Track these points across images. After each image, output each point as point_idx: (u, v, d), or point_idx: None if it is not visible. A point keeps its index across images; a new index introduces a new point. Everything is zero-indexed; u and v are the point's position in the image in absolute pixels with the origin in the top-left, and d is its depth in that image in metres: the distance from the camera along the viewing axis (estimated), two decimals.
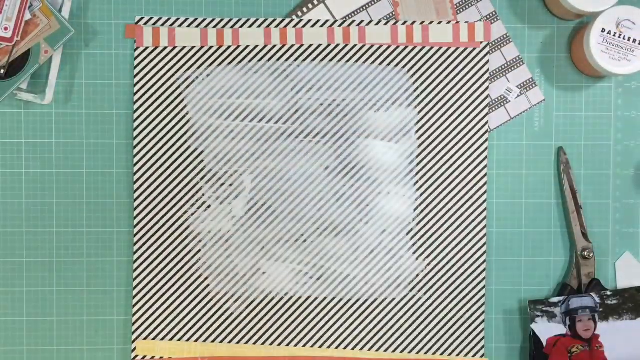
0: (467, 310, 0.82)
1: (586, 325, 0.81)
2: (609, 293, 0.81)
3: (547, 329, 0.81)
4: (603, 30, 0.77)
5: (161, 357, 0.81)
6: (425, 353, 0.82)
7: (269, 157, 0.81)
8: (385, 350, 0.82)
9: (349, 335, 0.82)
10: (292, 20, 0.81)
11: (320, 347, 0.82)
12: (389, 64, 0.82)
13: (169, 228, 0.81)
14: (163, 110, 0.81)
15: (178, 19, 0.81)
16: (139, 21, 0.81)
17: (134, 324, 0.81)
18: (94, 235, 0.82)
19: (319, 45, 0.81)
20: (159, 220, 0.81)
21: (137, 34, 0.81)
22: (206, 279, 0.82)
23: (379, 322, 0.82)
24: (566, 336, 0.81)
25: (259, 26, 0.81)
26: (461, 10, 0.82)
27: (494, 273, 0.83)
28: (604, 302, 0.81)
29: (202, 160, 0.81)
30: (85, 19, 0.81)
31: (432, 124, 0.82)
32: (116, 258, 0.82)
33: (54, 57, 0.79)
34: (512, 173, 0.83)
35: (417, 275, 0.82)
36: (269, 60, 0.81)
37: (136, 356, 0.81)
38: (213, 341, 0.82)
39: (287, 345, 0.82)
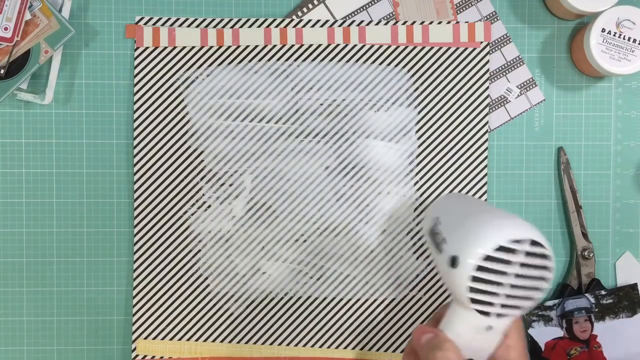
0: None
1: (583, 327, 0.81)
2: (603, 292, 0.81)
3: (544, 333, 0.81)
4: (603, 30, 0.77)
5: (161, 357, 0.82)
6: None
7: (269, 157, 0.81)
8: (386, 351, 0.82)
9: (349, 335, 0.82)
10: (292, 20, 0.81)
11: (321, 347, 0.82)
12: (389, 64, 0.82)
13: (169, 228, 0.81)
14: (163, 110, 0.81)
15: (178, 19, 0.81)
16: (139, 21, 0.81)
17: (134, 324, 0.81)
18: (94, 235, 0.82)
19: (319, 45, 0.81)
20: (159, 220, 0.81)
21: (137, 34, 0.81)
22: (206, 279, 0.82)
23: (379, 322, 0.82)
24: (564, 339, 0.81)
25: (259, 26, 0.81)
26: (461, 10, 0.82)
27: None
28: (599, 302, 0.81)
29: (202, 160, 0.81)
30: (85, 19, 0.81)
31: (432, 124, 0.82)
32: (116, 258, 0.82)
33: (54, 57, 0.79)
34: (512, 173, 0.83)
35: (417, 275, 0.82)
36: (269, 60, 0.81)
37: (136, 356, 0.81)
38: (213, 341, 0.82)
39: (287, 345, 0.82)
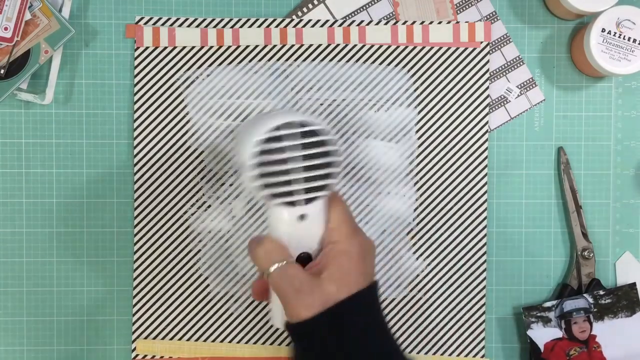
0: (468, 311, 0.82)
1: (582, 327, 0.81)
2: (602, 292, 0.81)
3: (543, 334, 0.81)
4: (603, 30, 0.77)
5: (161, 357, 0.82)
6: (426, 353, 0.82)
7: None
8: None
9: None
10: (292, 20, 0.81)
11: None
12: (389, 64, 0.82)
13: (169, 228, 0.81)
14: (163, 110, 0.81)
15: (178, 19, 0.81)
16: (139, 21, 0.81)
17: (134, 323, 0.81)
18: (94, 235, 0.82)
19: (319, 45, 0.81)
20: (159, 220, 0.81)
21: (137, 34, 0.81)
22: (206, 279, 0.82)
23: None
24: (563, 339, 0.81)
25: (259, 26, 0.81)
26: (461, 10, 0.82)
27: (494, 273, 0.83)
28: (598, 302, 0.81)
29: (202, 160, 0.81)
30: (85, 19, 0.81)
31: (432, 124, 0.82)
32: (116, 258, 0.82)
33: (54, 57, 0.79)
34: (512, 173, 0.83)
35: (417, 275, 0.82)
36: (269, 60, 0.81)
37: (136, 356, 0.81)
38: (213, 341, 0.82)
39: (287, 345, 0.82)
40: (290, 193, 0.61)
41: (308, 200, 0.62)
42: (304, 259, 0.63)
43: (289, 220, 0.62)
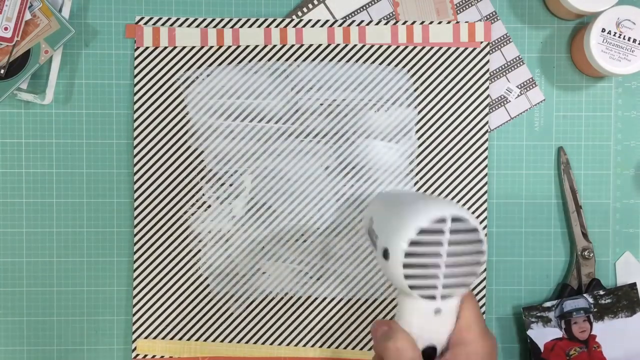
0: None
1: (582, 327, 0.81)
2: (602, 292, 0.81)
3: (543, 334, 0.81)
4: (603, 30, 0.77)
5: (161, 357, 0.82)
6: None
7: (269, 157, 0.81)
8: None
9: (349, 335, 0.82)
10: (292, 20, 0.81)
11: (321, 347, 0.82)
12: (389, 64, 0.82)
13: (169, 228, 0.81)
14: (163, 110, 0.81)
15: (178, 19, 0.81)
16: (139, 21, 0.81)
17: (134, 323, 0.81)
18: (94, 235, 0.82)
19: (319, 45, 0.81)
20: (159, 220, 0.81)
21: (137, 34, 0.81)
22: (206, 279, 0.82)
23: None
24: (563, 339, 0.81)
25: (259, 26, 0.81)
26: (461, 10, 0.82)
27: (493, 273, 0.83)
28: (598, 302, 0.81)
29: (202, 160, 0.81)
30: (85, 19, 0.81)
31: (432, 124, 0.82)
32: (116, 258, 0.82)
33: (54, 57, 0.79)
34: (512, 173, 0.83)
35: None
36: (269, 60, 0.81)
37: (137, 355, 0.81)
38: (213, 341, 0.82)
39: (287, 345, 0.82)
40: (432, 286, 0.60)
41: (445, 296, 0.60)
42: (429, 353, 0.62)
43: (424, 314, 0.61)
